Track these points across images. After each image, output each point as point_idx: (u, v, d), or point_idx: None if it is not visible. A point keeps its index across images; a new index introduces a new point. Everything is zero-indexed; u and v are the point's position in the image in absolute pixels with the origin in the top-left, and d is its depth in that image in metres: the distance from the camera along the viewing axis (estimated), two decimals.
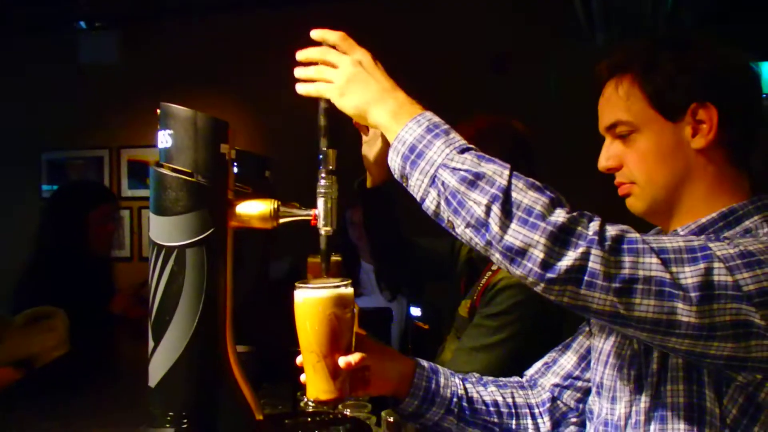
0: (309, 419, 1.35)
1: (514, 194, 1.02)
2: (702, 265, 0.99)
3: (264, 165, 1.94)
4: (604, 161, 1.25)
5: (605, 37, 4.04)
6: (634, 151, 1.22)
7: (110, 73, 4.87)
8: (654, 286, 0.98)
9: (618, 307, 0.99)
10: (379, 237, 2.10)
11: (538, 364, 1.45)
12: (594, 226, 1.00)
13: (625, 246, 0.99)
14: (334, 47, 1.18)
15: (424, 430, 1.41)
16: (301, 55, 1.19)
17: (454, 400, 1.35)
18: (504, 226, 1.01)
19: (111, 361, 2.60)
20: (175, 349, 1.16)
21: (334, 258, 1.94)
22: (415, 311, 3.35)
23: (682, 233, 1.20)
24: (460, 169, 1.05)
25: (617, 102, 1.22)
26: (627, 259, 0.99)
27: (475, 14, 4.44)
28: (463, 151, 1.07)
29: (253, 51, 4.61)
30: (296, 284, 1.18)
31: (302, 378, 1.21)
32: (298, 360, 1.21)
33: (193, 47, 4.83)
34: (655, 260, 0.99)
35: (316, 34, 1.19)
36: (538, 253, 0.99)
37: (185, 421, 1.16)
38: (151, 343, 1.18)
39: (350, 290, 1.18)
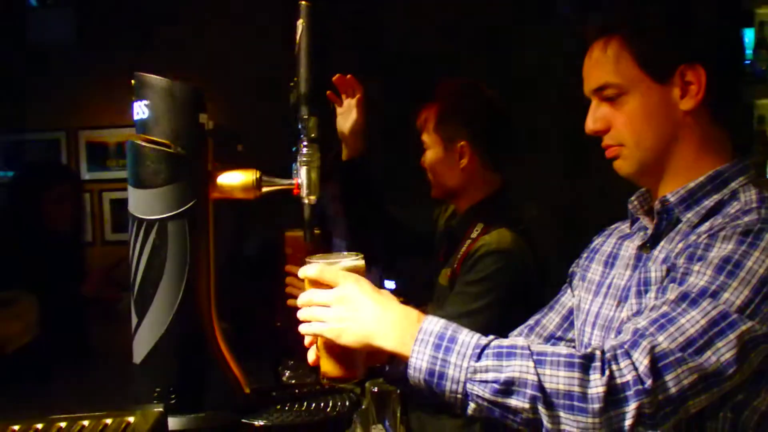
0: (297, 391, 1.35)
1: (548, 386, 1.00)
2: (731, 336, 1.01)
3: (235, 138, 1.91)
4: (591, 124, 1.25)
5: (571, 11, 4.06)
6: (623, 114, 1.21)
7: (65, 51, 4.74)
8: (701, 384, 1.01)
9: (680, 413, 1.02)
10: (356, 209, 2.10)
11: (521, 327, 1.47)
12: (627, 369, 1.00)
13: (661, 366, 1.00)
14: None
15: (410, 395, 1.42)
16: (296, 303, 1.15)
17: None
18: (554, 420, 1.01)
19: (87, 343, 2.56)
20: (160, 323, 1.14)
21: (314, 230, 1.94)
22: (389, 285, 3.35)
23: (672, 200, 1.21)
24: (487, 381, 1.02)
25: (605, 64, 1.22)
26: (669, 378, 1.00)
27: None
28: (479, 356, 1.04)
29: (216, 20, 4.51)
30: (307, 259, 1.16)
31: (311, 357, 1.18)
32: (307, 340, 1.18)
33: (150, 20, 4.71)
34: (692, 364, 1.00)
35: (301, 273, 1.15)
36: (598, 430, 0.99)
37: (173, 396, 1.15)
38: (134, 320, 1.16)
39: (363, 262, 1.17)
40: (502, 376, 1.02)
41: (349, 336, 1.09)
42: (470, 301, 1.79)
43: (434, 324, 1.08)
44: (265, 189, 1.17)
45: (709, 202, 1.19)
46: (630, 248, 1.31)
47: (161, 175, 1.11)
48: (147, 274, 1.14)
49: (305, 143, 1.16)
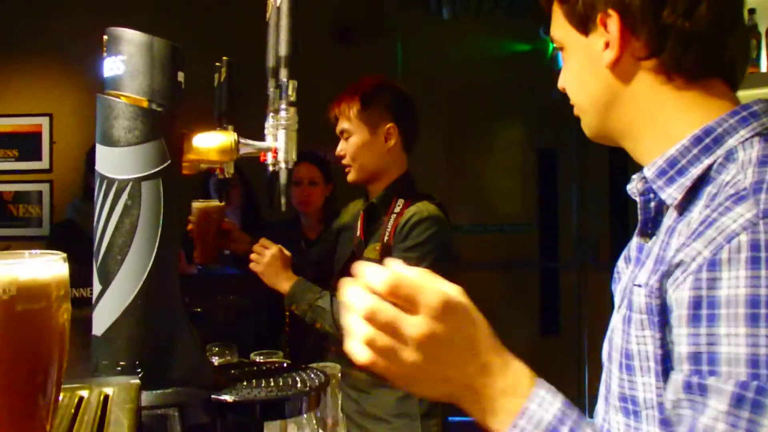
0: (255, 368, 1.30)
1: None
2: None
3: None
4: (558, 83, 1.12)
5: (450, 12, 4.20)
6: (565, 70, 1.09)
7: None
8: None
9: None
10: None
11: None
12: None
13: None
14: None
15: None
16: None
17: None
18: None
19: None
20: (128, 290, 1.07)
21: (219, 204, 1.98)
22: None
23: (648, 175, 0.97)
24: None
25: (553, 20, 1.08)
26: None
27: None
28: None
29: None
30: None
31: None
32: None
33: None
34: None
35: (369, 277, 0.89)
36: None
37: (139, 370, 1.08)
38: (97, 288, 1.09)
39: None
40: None
41: (421, 392, 0.89)
42: (412, 267, 1.83)
43: (545, 408, 0.83)
44: (243, 151, 1.13)
45: (696, 171, 0.91)
46: (634, 239, 1.08)
47: (136, 132, 1.05)
48: (115, 239, 1.07)
49: (284, 106, 1.13)
